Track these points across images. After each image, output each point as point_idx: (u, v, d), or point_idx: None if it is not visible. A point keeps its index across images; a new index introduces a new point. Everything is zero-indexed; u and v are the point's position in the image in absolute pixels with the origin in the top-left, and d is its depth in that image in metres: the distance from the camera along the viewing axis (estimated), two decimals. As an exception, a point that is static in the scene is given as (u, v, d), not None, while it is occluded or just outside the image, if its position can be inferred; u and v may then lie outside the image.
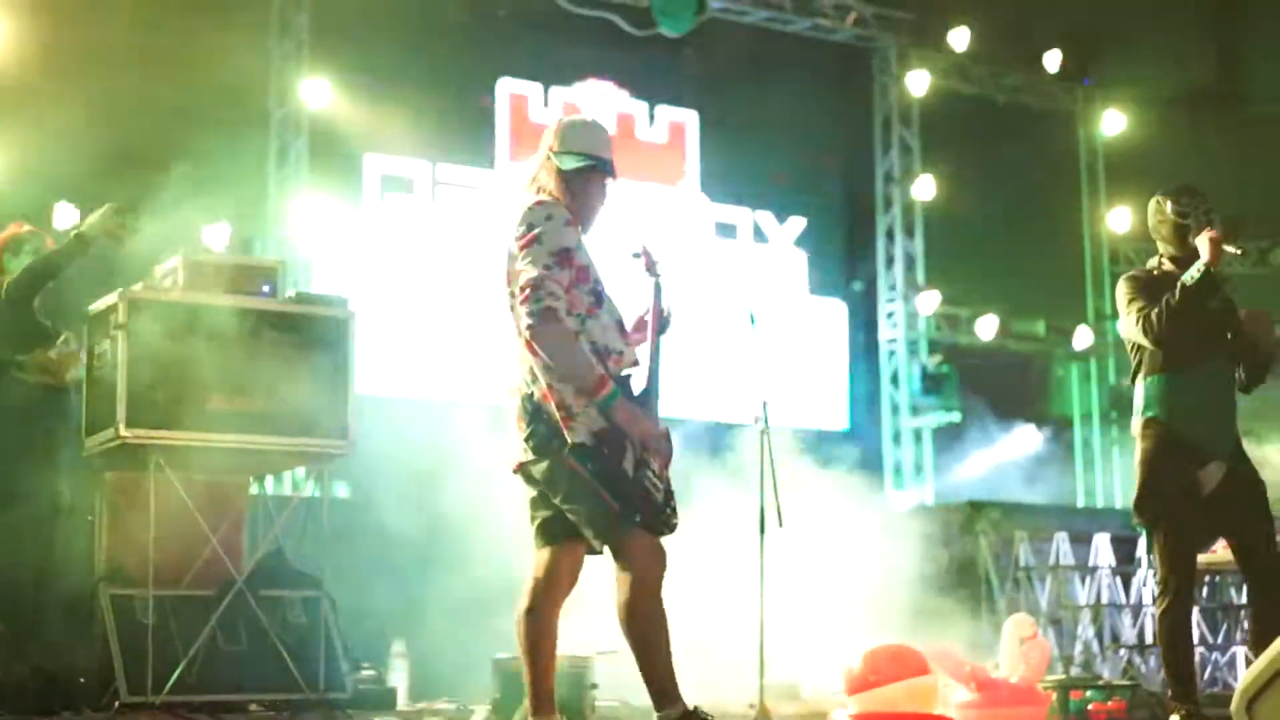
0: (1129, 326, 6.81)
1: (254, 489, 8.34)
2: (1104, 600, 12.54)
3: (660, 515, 5.45)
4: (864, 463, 16.78)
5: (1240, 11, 20.27)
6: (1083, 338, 18.65)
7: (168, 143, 12.43)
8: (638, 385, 5.68)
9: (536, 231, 5.47)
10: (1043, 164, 18.83)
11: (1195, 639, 12.54)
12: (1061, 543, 12.69)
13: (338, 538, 7.93)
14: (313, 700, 7.39)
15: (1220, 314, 6.87)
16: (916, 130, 18.27)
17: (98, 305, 7.59)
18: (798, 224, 17.58)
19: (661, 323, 5.89)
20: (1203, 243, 6.63)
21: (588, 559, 5.58)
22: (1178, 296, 6.60)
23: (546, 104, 16.02)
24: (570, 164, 5.68)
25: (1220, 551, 10.74)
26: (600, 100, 16.36)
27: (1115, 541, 12.97)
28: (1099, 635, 12.28)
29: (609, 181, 5.80)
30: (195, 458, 7.53)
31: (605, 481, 5.34)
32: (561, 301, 5.41)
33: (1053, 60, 18.62)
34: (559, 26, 16.04)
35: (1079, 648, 12.10)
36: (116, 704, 7.04)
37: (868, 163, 18.39)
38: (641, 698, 8.03)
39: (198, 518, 7.66)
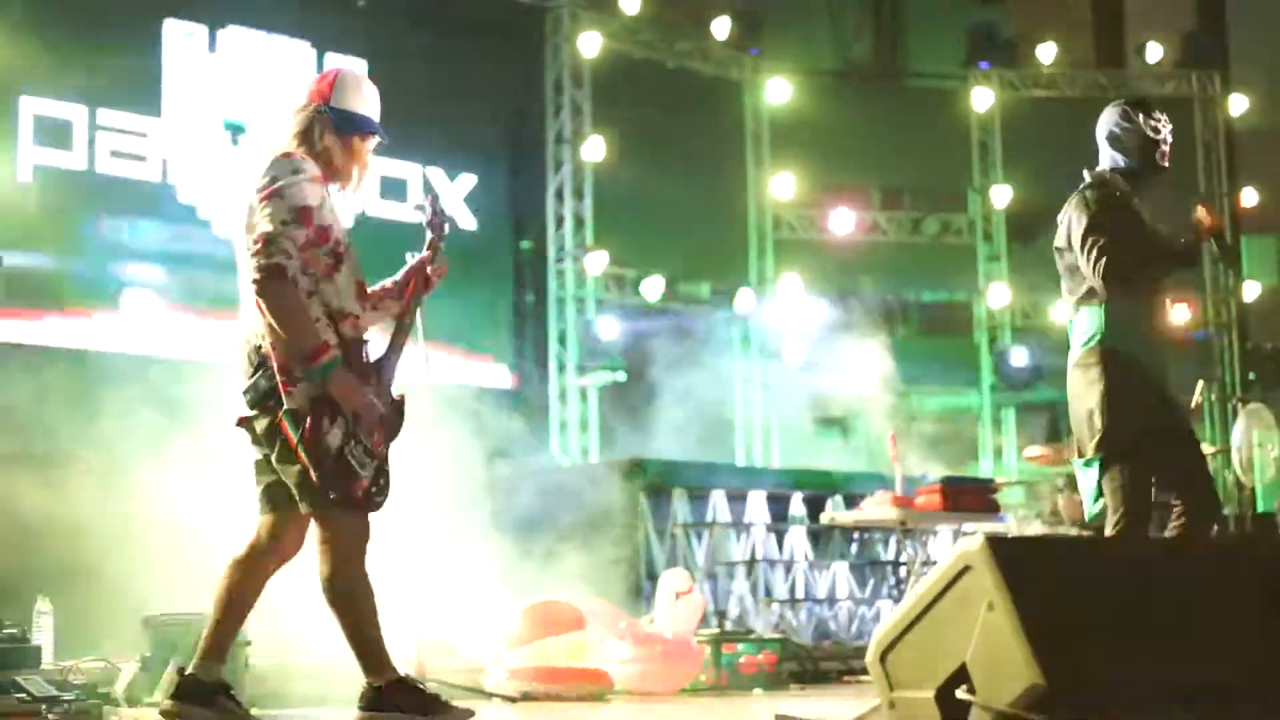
0: (1081, 256, 6.36)
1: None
2: (758, 556, 12.88)
3: (363, 494, 5.38)
4: (530, 420, 16.94)
5: (899, -13, 21.05)
6: (745, 300, 19.04)
7: None
8: (378, 350, 5.63)
9: (279, 185, 5.36)
10: (711, 130, 19.20)
11: (843, 594, 13.08)
12: (718, 500, 12.99)
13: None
14: (-50, 660, 7.13)
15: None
16: (588, 92, 18.36)
17: None
18: (468, 181, 17.54)
19: (426, 283, 5.86)
20: (1202, 219, 6.44)
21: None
22: (1157, 256, 6.39)
23: (213, 49, 15.63)
24: (347, 120, 5.63)
25: (867, 509, 11.14)
26: (266, 46, 16.06)
27: (770, 499, 13.33)
28: (753, 590, 12.60)
29: (376, 145, 5.77)
30: None
31: (310, 452, 5.27)
32: (294, 260, 5.32)
33: (721, 28, 18.95)
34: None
35: (733, 602, 12.40)
36: None
37: (540, 122, 18.44)
38: (298, 654, 8.01)
39: None
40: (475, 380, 17.05)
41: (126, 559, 8.08)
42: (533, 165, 18.42)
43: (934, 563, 10.65)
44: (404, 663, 7.63)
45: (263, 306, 5.30)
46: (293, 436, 5.29)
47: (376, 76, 16.52)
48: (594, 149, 18.07)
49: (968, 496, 11.30)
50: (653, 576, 11.25)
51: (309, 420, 5.27)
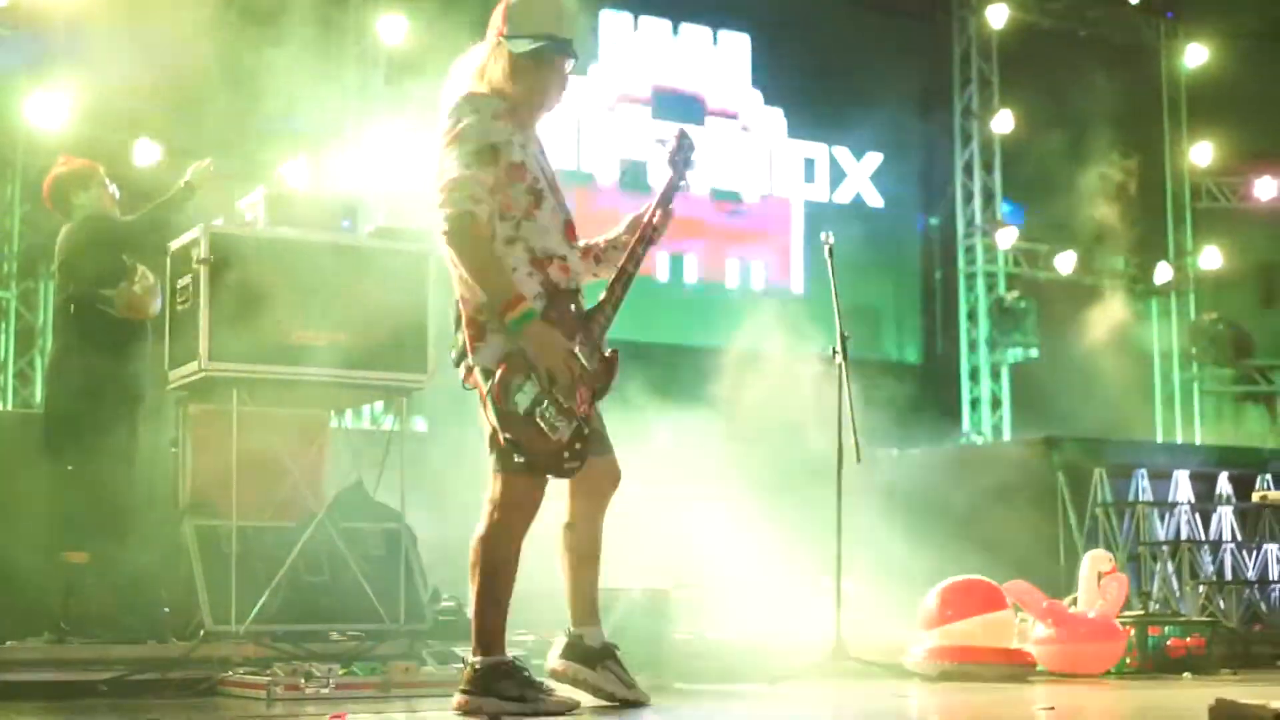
0: None
1: (334, 422, 8.40)
2: (1183, 536, 12.46)
3: (553, 459, 5.03)
4: (940, 398, 16.82)
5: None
6: (1163, 273, 18.47)
7: (246, 80, 12.50)
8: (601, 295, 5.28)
9: (460, 127, 5.03)
10: (1124, 98, 18.60)
11: (1274, 575, 12.55)
12: (1140, 479, 12.62)
13: (416, 470, 7.99)
14: (393, 630, 7.47)
15: None
16: (995, 64, 18.10)
17: (179, 240, 7.66)
18: (875, 159, 17.48)
19: (653, 229, 5.44)
20: None
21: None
22: None
23: (636, 27, 16.09)
24: (522, 47, 5.15)
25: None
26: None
27: (1195, 478, 12.89)
28: (1178, 572, 12.20)
29: (568, 63, 5.26)
30: (277, 391, 7.60)
31: (498, 411, 4.96)
32: (484, 204, 4.99)
33: (1135, -8, 18.41)
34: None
35: (1157, 584, 12.03)
36: (201, 633, 7.14)
37: (946, 97, 18.25)
38: (719, 629, 8.12)
39: (279, 450, 7.76)
40: (884, 357, 17.01)
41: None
42: (940, 141, 18.23)
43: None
44: (824, 640, 7.67)
45: (454, 257, 5.01)
46: (484, 391, 5.00)
47: (781, 55, 16.64)
48: (1003, 122, 17.80)
49: None
50: (1073, 557, 11.00)
51: (497, 377, 4.95)
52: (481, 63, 5.23)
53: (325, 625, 7.47)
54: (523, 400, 4.97)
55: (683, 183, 5.56)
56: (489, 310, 5.03)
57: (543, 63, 5.20)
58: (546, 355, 4.98)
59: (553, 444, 5.02)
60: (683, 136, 5.58)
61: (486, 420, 5.07)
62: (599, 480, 5.36)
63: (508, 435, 4.96)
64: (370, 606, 7.55)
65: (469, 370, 5.14)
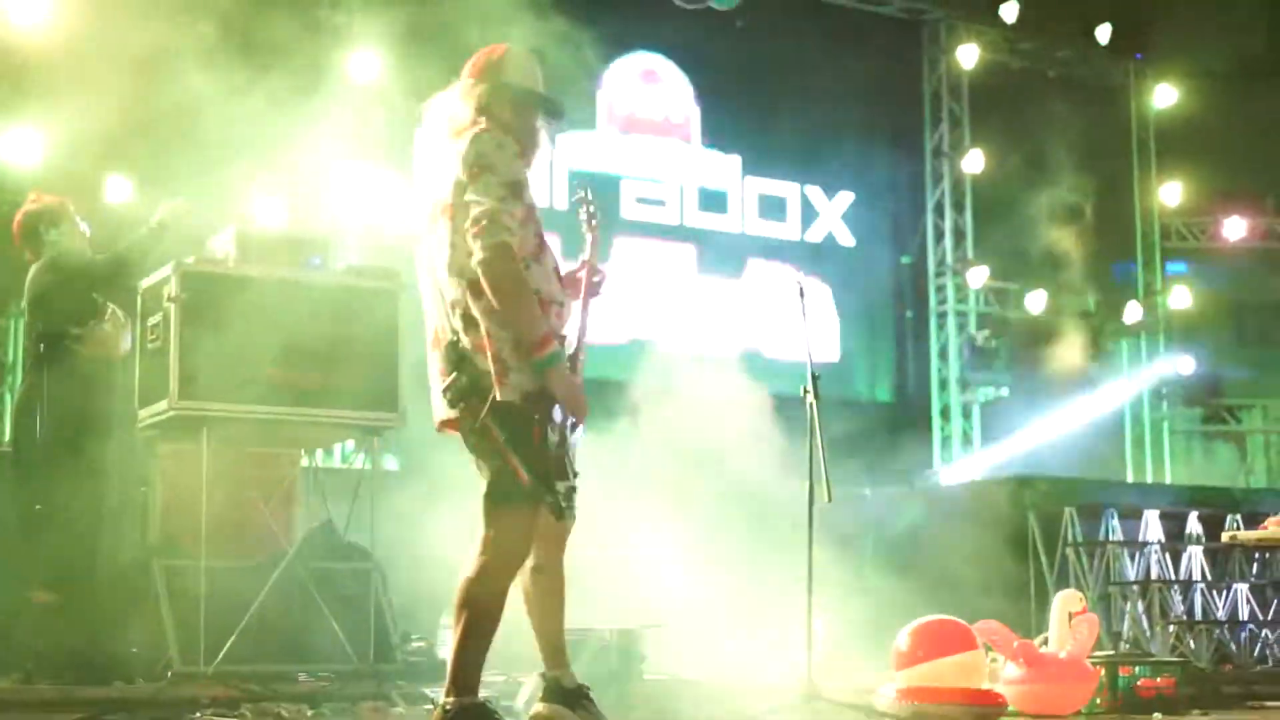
0: None
1: (304, 461, 8.37)
2: (1153, 576, 12.47)
3: (568, 497, 5.04)
4: (912, 437, 16.81)
5: (1294, -19, 20.09)
6: (1133, 313, 18.53)
7: (222, 116, 12.48)
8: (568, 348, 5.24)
9: (489, 161, 4.94)
10: (1094, 138, 18.69)
11: (1244, 615, 12.58)
12: (1110, 518, 12.63)
13: (386, 510, 7.96)
14: (362, 671, 7.44)
15: None
16: (966, 104, 18.17)
17: (150, 279, 7.64)
18: (846, 198, 17.51)
19: (595, 284, 5.49)
20: None
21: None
22: None
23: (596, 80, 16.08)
24: (526, 98, 5.22)
25: (1272, 528, 10.67)
26: (646, 71, 16.42)
27: (1165, 518, 12.90)
28: (1148, 612, 12.21)
29: (549, 124, 5.32)
30: (247, 430, 7.58)
31: (520, 450, 4.83)
32: (515, 238, 4.91)
33: (1103, 33, 18.46)
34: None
35: (1127, 624, 12.04)
36: (169, 674, 7.10)
37: (917, 137, 18.30)
38: (690, 670, 8.09)
39: (249, 489, 7.73)
40: (855, 396, 17.02)
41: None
42: (911, 180, 18.29)
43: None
44: (796, 680, 7.64)
45: (489, 288, 4.82)
46: (498, 434, 4.85)
47: (753, 95, 16.60)
48: (973, 162, 17.84)
49: (1382, 515, 10.70)
50: (1043, 597, 11.00)
51: (528, 417, 4.85)
52: (482, 103, 5.17)
53: (294, 666, 7.45)
54: (554, 438, 4.95)
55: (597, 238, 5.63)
56: (514, 346, 4.90)
57: (538, 116, 5.26)
58: (574, 397, 5.00)
59: (569, 482, 5.07)
60: (585, 197, 5.68)
61: (495, 459, 4.93)
62: (562, 522, 5.36)
63: (534, 475, 4.86)
64: (339, 647, 7.53)
65: (468, 410, 4.95)
